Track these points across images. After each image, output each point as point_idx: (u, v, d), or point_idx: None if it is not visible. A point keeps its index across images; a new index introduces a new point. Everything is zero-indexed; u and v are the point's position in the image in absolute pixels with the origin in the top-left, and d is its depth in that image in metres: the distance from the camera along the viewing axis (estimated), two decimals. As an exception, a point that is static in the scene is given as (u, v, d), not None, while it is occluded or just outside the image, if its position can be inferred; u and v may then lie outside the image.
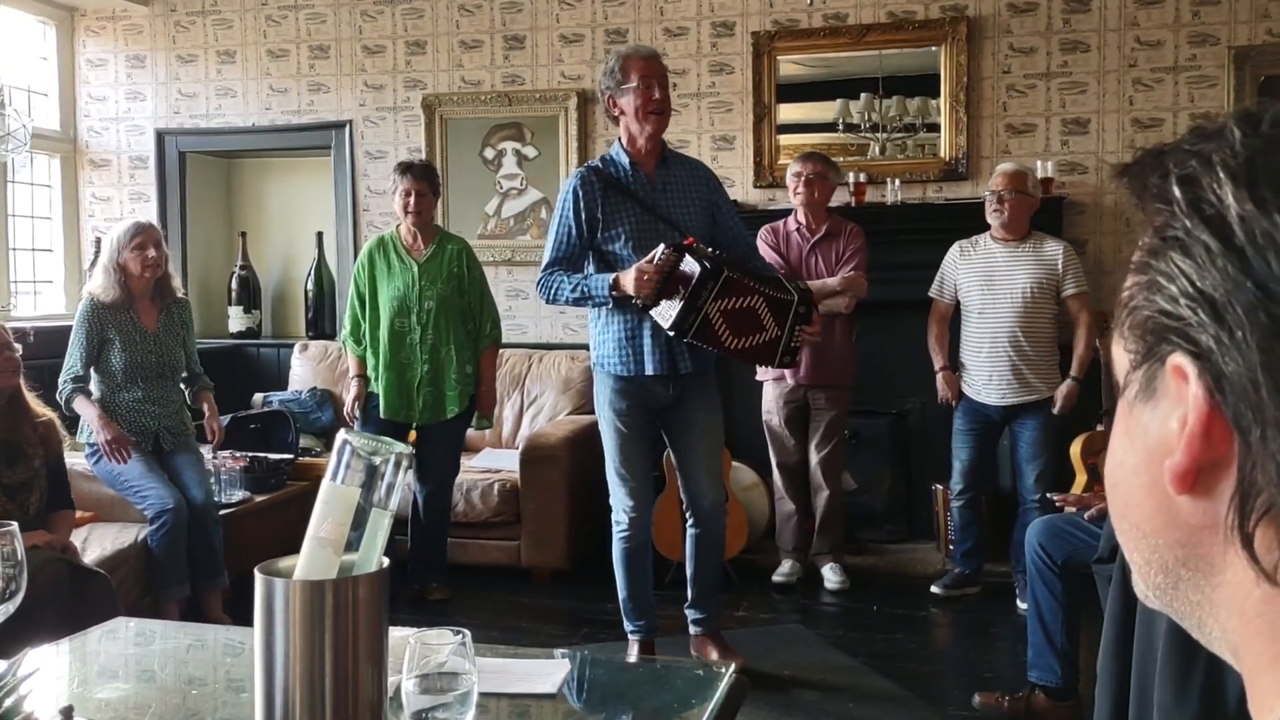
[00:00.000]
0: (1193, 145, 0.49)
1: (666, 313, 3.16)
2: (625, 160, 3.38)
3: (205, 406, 4.16)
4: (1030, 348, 4.15)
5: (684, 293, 3.12)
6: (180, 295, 4.18)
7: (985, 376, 4.21)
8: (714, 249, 3.26)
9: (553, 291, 3.34)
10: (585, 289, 3.28)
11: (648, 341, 3.29)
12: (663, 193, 3.37)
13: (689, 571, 3.55)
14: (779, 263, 4.38)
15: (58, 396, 3.87)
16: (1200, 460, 0.47)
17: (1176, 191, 0.49)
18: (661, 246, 3.16)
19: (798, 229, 4.46)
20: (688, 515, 3.53)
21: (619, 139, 3.43)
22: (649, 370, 3.31)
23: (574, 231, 3.34)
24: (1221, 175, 0.47)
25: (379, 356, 4.31)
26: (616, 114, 3.38)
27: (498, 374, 5.08)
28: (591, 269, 3.36)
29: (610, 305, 3.28)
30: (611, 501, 3.44)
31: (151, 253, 3.96)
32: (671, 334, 3.18)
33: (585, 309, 3.43)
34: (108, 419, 3.85)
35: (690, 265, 3.13)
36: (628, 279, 3.17)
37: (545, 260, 3.39)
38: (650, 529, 3.48)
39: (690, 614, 3.58)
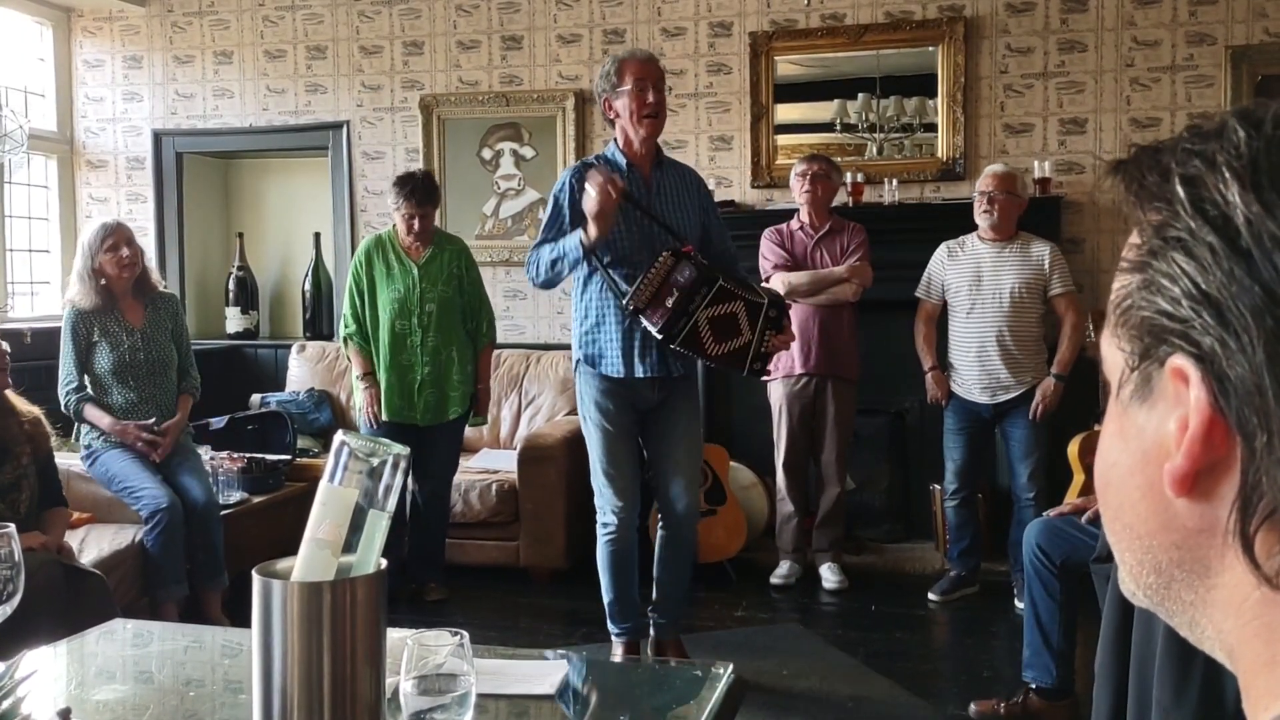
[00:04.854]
0: (1193, 144, 0.48)
1: (656, 318, 3.17)
2: (622, 161, 3.38)
3: (179, 407, 4.06)
4: (1017, 347, 4.16)
5: (676, 298, 3.14)
6: (162, 289, 4.16)
7: (974, 376, 4.22)
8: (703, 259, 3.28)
9: (536, 266, 3.35)
10: (560, 249, 3.27)
11: (639, 344, 3.30)
12: (658, 195, 3.39)
13: (655, 573, 3.52)
14: (786, 260, 4.43)
15: (64, 410, 3.87)
16: (1200, 464, 0.47)
17: (1180, 191, 0.47)
18: (665, 252, 3.18)
19: (801, 227, 4.51)
20: (659, 518, 3.52)
21: (614, 140, 3.44)
22: (639, 373, 3.31)
23: (567, 219, 3.33)
24: (1227, 176, 0.46)
25: (380, 357, 4.27)
26: (612, 116, 3.39)
27: (494, 374, 5.07)
28: (586, 270, 3.36)
29: (584, 262, 3.25)
30: (598, 503, 3.40)
31: (125, 251, 3.93)
32: (660, 338, 3.20)
33: (572, 314, 3.44)
34: (120, 421, 3.88)
35: (685, 272, 3.15)
36: (589, 203, 3.11)
37: (535, 243, 3.41)
38: (636, 529, 3.46)
39: (653, 616, 3.56)
